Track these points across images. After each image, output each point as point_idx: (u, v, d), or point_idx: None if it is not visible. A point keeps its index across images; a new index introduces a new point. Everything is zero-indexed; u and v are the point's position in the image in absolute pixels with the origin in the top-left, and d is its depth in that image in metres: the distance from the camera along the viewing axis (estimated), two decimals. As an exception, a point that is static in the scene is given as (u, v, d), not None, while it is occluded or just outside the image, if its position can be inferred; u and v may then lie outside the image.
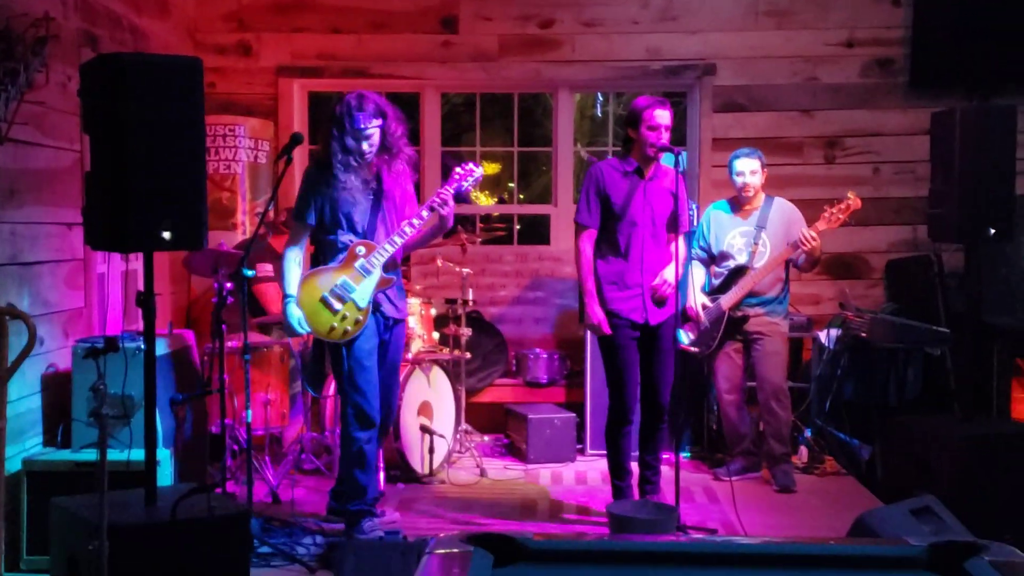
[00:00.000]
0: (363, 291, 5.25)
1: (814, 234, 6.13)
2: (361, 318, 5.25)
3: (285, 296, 5.30)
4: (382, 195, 5.32)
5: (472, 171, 5.36)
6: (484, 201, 12.16)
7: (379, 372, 5.39)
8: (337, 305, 5.24)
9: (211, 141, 7.28)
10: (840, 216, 6.14)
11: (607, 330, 5.47)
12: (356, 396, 5.28)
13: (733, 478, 6.22)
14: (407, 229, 5.25)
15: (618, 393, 5.57)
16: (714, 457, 6.92)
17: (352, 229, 5.28)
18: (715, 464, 6.76)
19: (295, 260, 5.34)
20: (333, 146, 5.16)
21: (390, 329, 5.42)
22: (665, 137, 5.40)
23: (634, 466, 5.70)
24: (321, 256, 5.42)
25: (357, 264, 5.25)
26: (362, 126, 5.13)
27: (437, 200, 5.25)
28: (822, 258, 6.44)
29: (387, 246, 5.25)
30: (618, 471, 5.66)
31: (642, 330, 5.53)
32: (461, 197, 5.71)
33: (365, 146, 5.17)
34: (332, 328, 5.25)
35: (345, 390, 5.33)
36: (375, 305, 5.29)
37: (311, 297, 5.26)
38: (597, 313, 5.48)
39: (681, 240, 5.53)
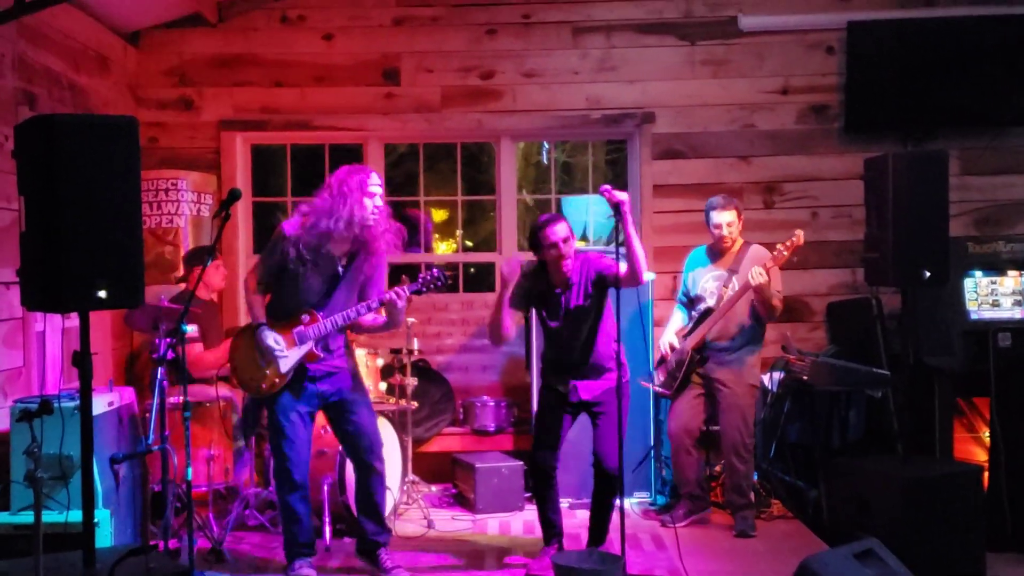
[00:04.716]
0: (290, 358, 5.30)
1: (761, 270, 6.17)
2: (277, 381, 5.33)
3: (258, 324, 5.36)
4: (348, 273, 5.37)
5: (437, 277, 5.32)
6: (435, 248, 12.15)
7: (342, 432, 5.49)
8: (262, 362, 5.33)
9: (153, 195, 7.28)
10: (785, 253, 6.18)
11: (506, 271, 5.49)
12: (279, 458, 5.41)
13: (679, 524, 6.25)
14: (351, 314, 5.29)
15: (533, 450, 5.72)
16: (663, 503, 6.93)
17: (306, 295, 5.34)
18: (663, 510, 6.76)
19: (260, 295, 5.46)
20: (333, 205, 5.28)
21: (325, 399, 5.45)
22: (565, 249, 5.46)
23: (576, 513, 5.70)
24: (276, 305, 5.44)
25: (295, 330, 5.30)
26: (373, 190, 5.33)
27: (390, 295, 5.26)
28: (777, 304, 6.37)
29: (328, 323, 5.30)
30: (545, 527, 5.73)
31: (575, 404, 5.62)
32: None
33: (370, 212, 5.28)
34: (251, 379, 5.37)
35: (272, 447, 5.47)
36: (305, 374, 5.36)
37: (249, 347, 5.36)
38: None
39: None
